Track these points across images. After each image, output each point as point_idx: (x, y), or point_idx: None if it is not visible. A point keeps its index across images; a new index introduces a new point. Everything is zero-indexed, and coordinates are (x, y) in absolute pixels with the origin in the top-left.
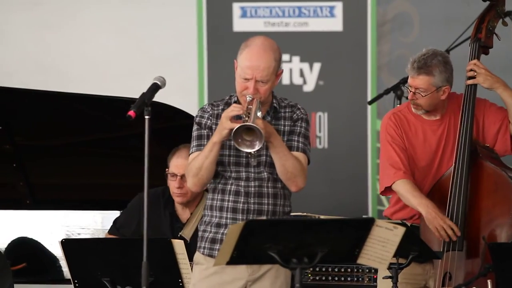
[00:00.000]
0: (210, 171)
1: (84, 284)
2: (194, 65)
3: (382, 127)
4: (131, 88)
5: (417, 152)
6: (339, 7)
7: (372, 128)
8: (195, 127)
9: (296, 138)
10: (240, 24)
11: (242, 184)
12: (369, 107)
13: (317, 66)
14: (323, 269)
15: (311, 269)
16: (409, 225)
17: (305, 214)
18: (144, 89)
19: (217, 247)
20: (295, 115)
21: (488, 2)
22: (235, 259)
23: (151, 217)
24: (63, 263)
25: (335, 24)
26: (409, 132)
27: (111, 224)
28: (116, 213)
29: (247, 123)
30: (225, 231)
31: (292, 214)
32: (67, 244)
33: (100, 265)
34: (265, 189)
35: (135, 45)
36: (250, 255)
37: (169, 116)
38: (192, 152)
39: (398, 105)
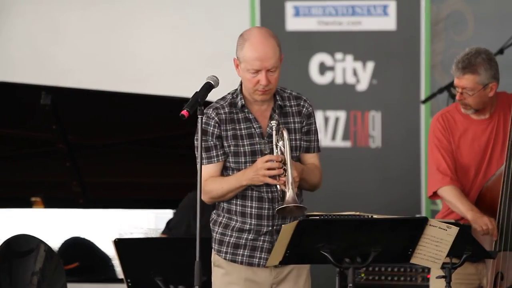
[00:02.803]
0: (230, 198)
1: (137, 284)
2: None
3: (430, 129)
4: (184, 87)
5: (464, 152)
6: (392, 6)
7: (426, 127)
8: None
9: (313, 138)
10: (293, 23)
11: (264, 189)
12: (422, 106)
13: (370, 65)
14: (376, 269)
15: (364, 268)
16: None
17: (358, 213)
18: (197, 88)
19: (241, 252)
20: (304, 109)
21: None
22: (288, 259)
23: (200, 217)
24: (116, 263)
25: (388, 23)
26: (457, 132)
27: (165, 224)
28: (168, 212)
29: (293, 204)
30: (249, 236)
31: (345, 213)
32: (120, 243)
33: (153, 265)
34: None
35: (188, 44)
36: (303, 255)
37: None
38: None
39: (449, 105)
